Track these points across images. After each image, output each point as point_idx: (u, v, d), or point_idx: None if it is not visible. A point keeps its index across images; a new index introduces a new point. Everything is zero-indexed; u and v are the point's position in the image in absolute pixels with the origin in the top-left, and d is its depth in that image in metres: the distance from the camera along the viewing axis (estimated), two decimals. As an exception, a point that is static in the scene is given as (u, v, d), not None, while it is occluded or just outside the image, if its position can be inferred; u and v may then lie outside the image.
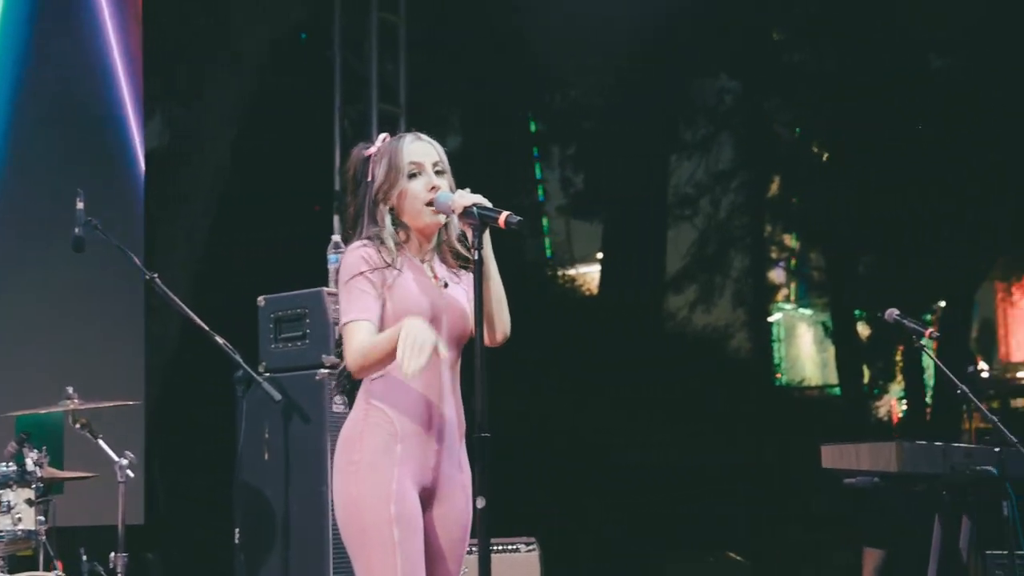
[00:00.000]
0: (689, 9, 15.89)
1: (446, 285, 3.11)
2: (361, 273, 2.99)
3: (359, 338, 2.95)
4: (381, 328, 3.00)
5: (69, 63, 6.75)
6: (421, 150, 3.10)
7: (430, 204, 3.06)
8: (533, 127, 20.46)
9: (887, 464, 4.13)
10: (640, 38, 16.37)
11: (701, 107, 19.33)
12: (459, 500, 3.13)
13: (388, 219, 3.08)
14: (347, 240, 3.15)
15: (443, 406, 3.06)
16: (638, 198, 18.14)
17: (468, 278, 3.15)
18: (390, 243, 3.05)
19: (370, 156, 3.12)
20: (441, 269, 3.14)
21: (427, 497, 3.06)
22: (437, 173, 3.10)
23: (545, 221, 21.90)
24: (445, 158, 3.13)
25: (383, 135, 3.20)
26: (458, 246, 3.15)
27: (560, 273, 21.06)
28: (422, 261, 3.12)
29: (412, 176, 3.07)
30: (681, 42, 16.64)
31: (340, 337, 3.06)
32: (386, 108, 8.67)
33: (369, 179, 3.09)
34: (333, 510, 3.20)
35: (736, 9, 16.44)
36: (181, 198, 8.91)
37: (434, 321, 3.01)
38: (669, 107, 18.65)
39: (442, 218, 3.10)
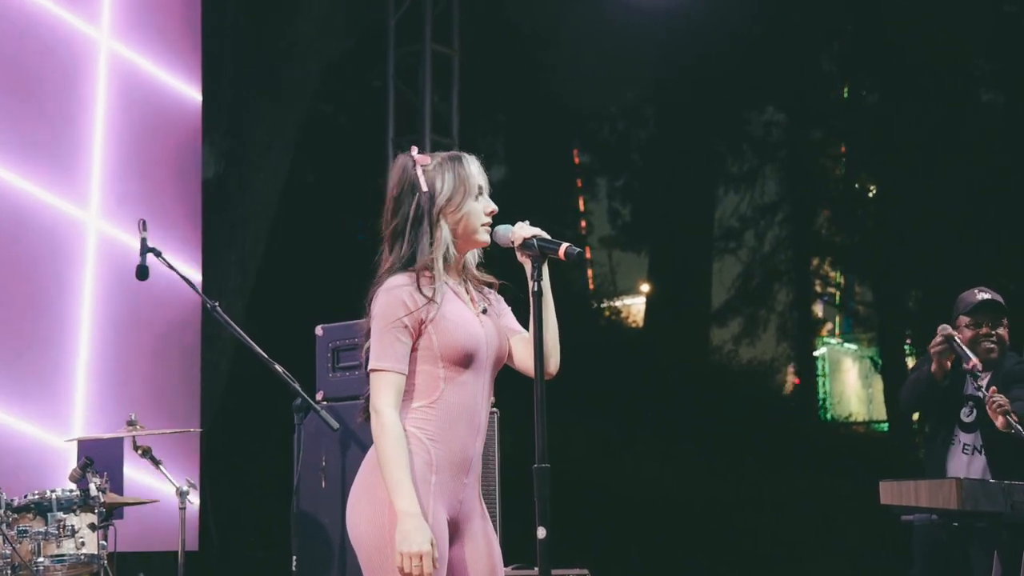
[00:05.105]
0: (737, 43, 15.95)
1: (484, 311, 3.08)
2: (399, 319, 2.93)
3: (390, 417, 2.90)
4: (410, 374, 2.95)
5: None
6: (482, 173, 3.11)
7: (486, 227, 3.05)
8: (578, 159, 20.52)
9: (946, 502, 4.07)
10: (688, 71, 16.44)
11: (747, 140, 19.33)
12: (487, 536, 3.07)
13: (449, 236, 3.02)
14: (391, 250, 3.02)
15: (476, 440, 3.03)
16: (684, 230, 18.15)
17: (496, 298, 3.15)
18: (440, 265, 2.99)
19: (423, 166, 3.05)
20: (475, 292, 3.11)
21: (452, 530, 3.00)
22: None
23: (589, 253, 21.89)
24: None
25: (414, 148, 3.13)
26: (476, 272, 3.12)
27: (605, 304, 21.03)
28: (458, 284, 3.08)
29: (476, 197, 3.06)
30: (729, 75, 16.67)
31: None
32: (438, 139, 8.74)
33: (424, 190, 3.02)
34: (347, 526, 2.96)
35: (783, 43, 16.47)
36: (234, 227, 9.00)
37: (477, 350, 3.01)
38: (716, 139, 18.68)
39: (484, 240, 3.08)
